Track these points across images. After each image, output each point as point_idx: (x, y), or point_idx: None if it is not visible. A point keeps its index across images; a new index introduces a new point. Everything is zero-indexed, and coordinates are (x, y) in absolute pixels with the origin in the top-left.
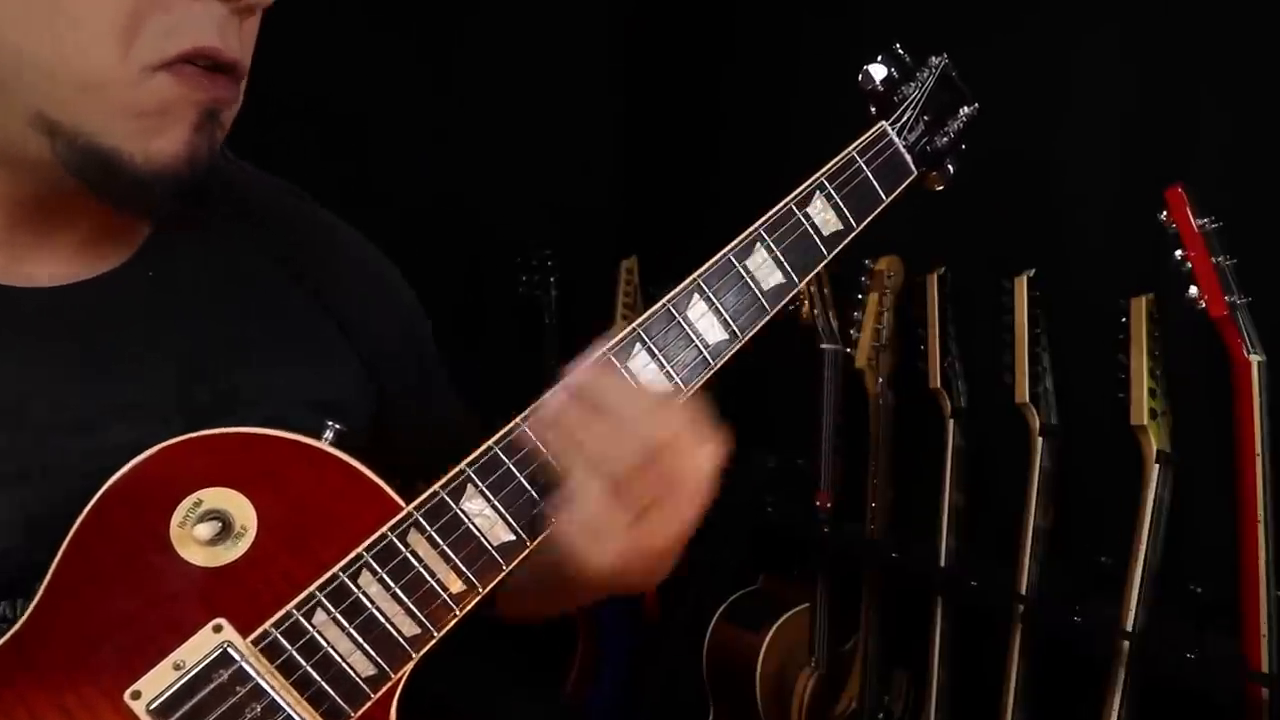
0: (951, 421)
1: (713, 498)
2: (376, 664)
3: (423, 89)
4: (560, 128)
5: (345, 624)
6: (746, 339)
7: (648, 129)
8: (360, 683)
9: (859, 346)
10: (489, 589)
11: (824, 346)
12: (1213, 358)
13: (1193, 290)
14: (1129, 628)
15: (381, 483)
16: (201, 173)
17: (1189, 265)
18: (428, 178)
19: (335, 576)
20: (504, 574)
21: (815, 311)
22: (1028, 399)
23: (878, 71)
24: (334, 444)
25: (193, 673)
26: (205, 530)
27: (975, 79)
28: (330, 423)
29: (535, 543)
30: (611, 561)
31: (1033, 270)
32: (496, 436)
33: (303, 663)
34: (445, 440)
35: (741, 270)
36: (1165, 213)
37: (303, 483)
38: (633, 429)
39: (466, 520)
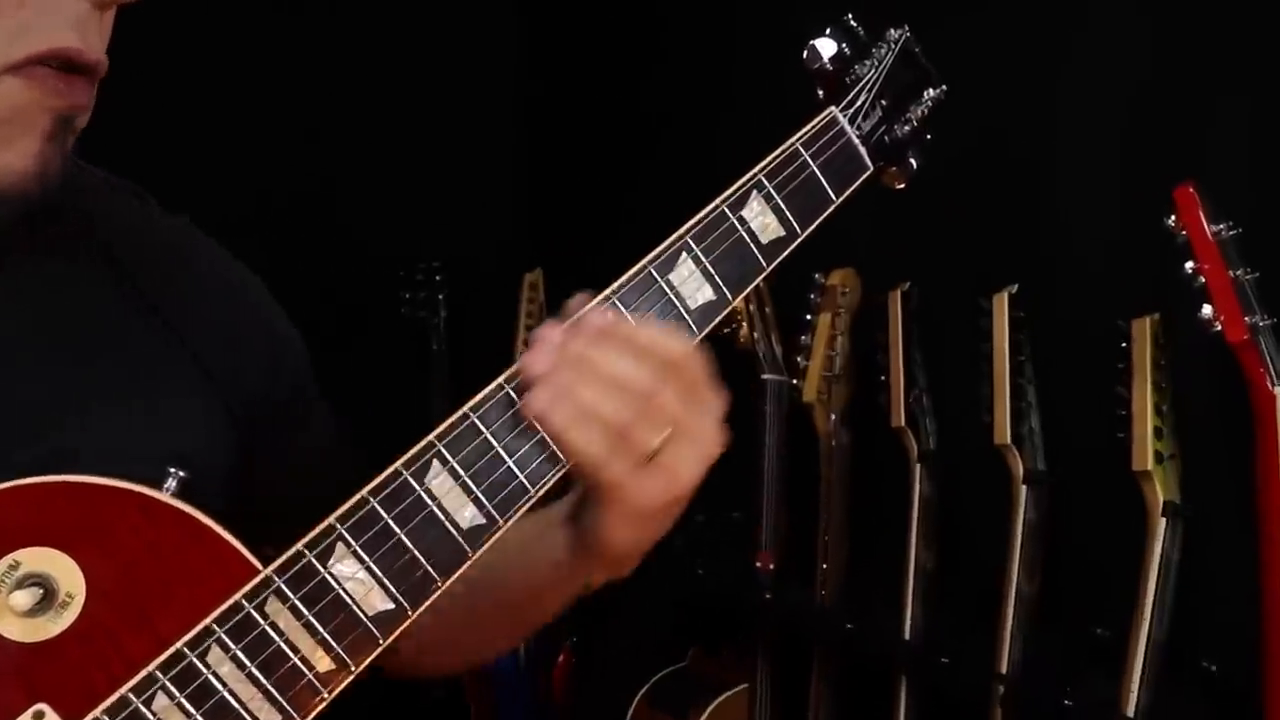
0: (918, 466)
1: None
2: None
3: (289, 77)
4: (451, 120)
5: (191, 710)
6: None
7: (553, 119)
8: None
9: (807, 377)
10: (363, 667)
11: (765, 377)
12: (1230, 390)
13: (1206, 310)
14: (1129, 713)
15: (235, 541)
16: (54, 189)
17: (1202, 280)
18: (294, 179)
19: (180, 654)
20: (380, 649)
21: (755, 335)
22: (1009, 440)
23: (826, 47)
24: (178, 495)
25: None
26: (23, 598)
27: (945, 57)
28: (174, 470)
29: (418, 612)
30: (612, 519)
31: (1015, 286)
32: (372, 485)
33: None
34: (326, 485)
35: (664, 285)
36: (1173, 217)
37: (140, 542)
38: (640, 357)
39: (336, 586)
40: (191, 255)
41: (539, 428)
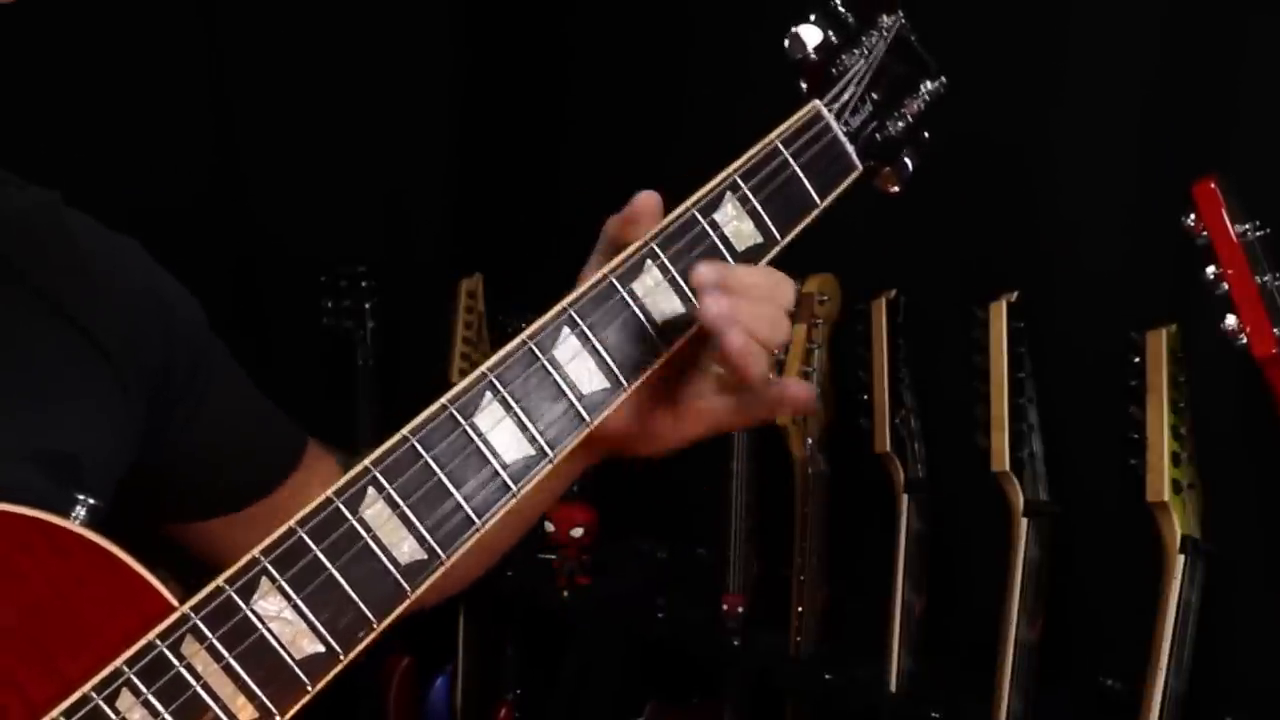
0: (906, 497)
1: None
2: None
3: (195, 62)
4: (378, 110)
5: None
6: (634, 389)
7: (490, 111)
8: None
9: None
10: (289, 716)
11: None
12: (1256, 411)
13: (1230, 320)
14: None
15: (150, 576)
16: None
17: (1225, 286)
18: (200, 174)
19: (86, 699)
20: (309, 697)
21: None
22: (1008, 467)
23: (810, 35)
24: (87, 524)
25: None
26: None
27: (936, 36)
28: (81, 496)
29: (350, 656)
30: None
31: (1014, 294)
32: (300, 515)
33: None
34: (248, 445)
35: (626, 296)
36: (1192, 216)
37: (44, 576)
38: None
39: (260, 625)
40: (67, 230)
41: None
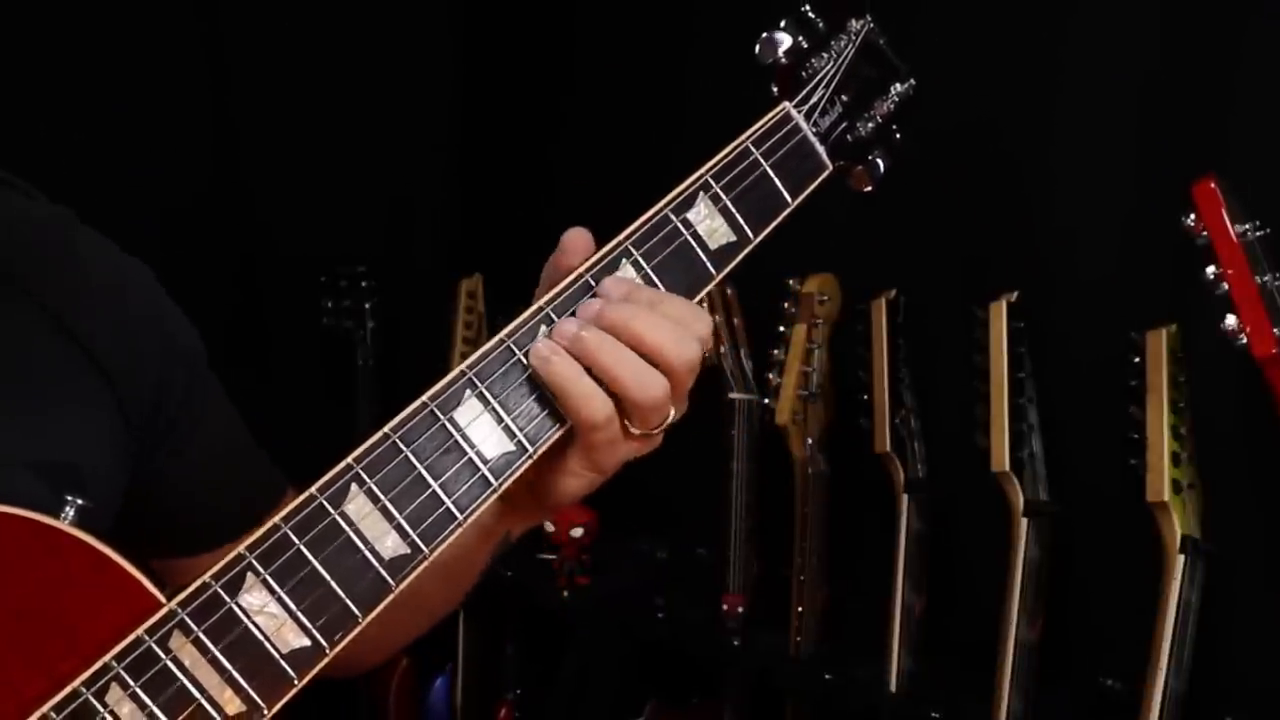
0: (906, 497)
1: None
2: None
3: (195, 60)
4: (378, 110)
5: None
6: None
7: (490, 110)
8: None
9: (780, 396)
10: (275, 710)
11: (733, 396)
12: (1257, 411)
13: (1230, 320)
14: None
15: (138, 574)
16: None
17: (1225, 286)
18: (200, 174)
19: (76, 694)
20: (295, 690)
21: (721, 349)
22: (1008, 467)
23: (781, 40)
24: (76, 524)
25: None
26: None
27: (934, 36)
28: (71, 497)
29: (336, 650)
30: (572, 477)
31: (1014, 294)
32: (285, 511)
33: None
34: (231, 483)
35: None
36: (1192, 216)
37: (35, 574)
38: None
39: (245, 619)
40: (75, 247)
41: (548, 377)
